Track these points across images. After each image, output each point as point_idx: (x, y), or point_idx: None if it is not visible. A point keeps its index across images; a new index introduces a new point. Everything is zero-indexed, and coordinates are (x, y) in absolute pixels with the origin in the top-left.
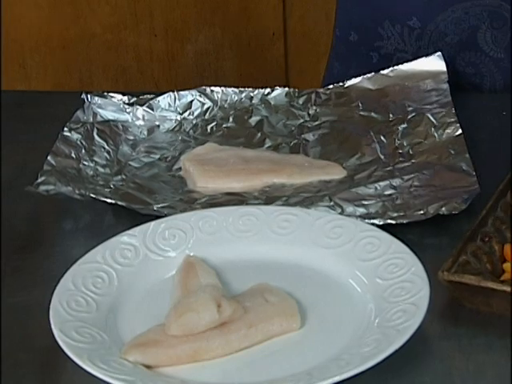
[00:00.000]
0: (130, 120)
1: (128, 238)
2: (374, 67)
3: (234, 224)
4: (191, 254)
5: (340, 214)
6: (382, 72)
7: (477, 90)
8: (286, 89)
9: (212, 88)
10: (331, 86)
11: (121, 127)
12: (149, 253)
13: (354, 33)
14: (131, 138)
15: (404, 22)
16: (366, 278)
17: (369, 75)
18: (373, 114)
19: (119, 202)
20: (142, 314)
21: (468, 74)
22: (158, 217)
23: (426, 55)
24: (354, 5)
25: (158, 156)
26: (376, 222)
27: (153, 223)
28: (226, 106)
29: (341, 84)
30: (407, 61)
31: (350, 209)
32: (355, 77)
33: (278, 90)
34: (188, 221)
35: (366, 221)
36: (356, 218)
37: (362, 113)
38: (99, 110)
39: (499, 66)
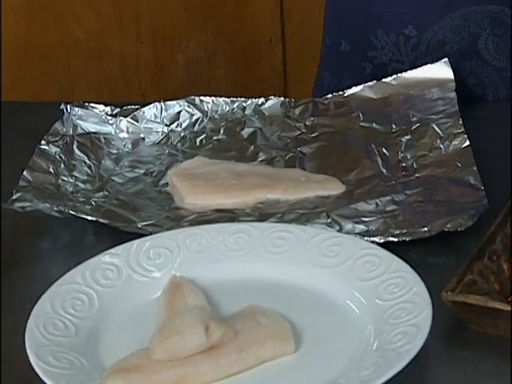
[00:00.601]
0: (113, 132)
1: (110, 257)
2: (367, 78)
3: (225, 242)
4: (178, 275)
5: (338, 231)
6: (384, 80)
7: (479, 101)
8: (282, 98)
9: (202, 98)
10: (330, 96)
11: (103, 140)
12: (132, 273)
13: (344, 42)
14: (114, 151)
15: (399, 31)
16: (365, 299)
17: (370, 83)
18: (374, 124)
19: (101, 220)
20: (125, 337)
21: (469, 85)
22: (142, 235)
23: (431, 62)
24: (345, 12)
25: (143, 171)
26: (376, 239)
27: (137, 242)
28: (216, 116)
29: (340, 93)
30: (404, 71)
31: (348, 226)
32: (349, 88)
33: (273, 100)
34: (175, 239)
35: (366, 238)
36: (355, 235)
37: (362, 124)
38: (80, 122)
39: (502, 75)
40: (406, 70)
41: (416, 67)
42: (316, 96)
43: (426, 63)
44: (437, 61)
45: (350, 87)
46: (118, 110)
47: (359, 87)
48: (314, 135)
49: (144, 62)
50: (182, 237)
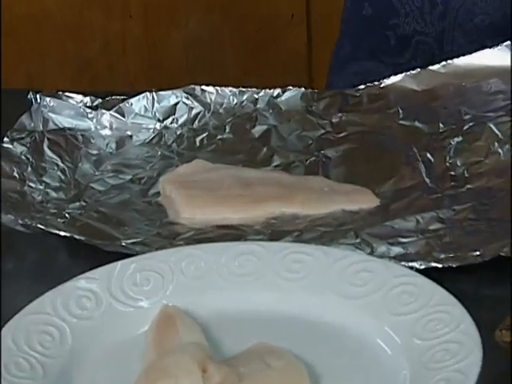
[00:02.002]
0: (93, 129)
1: (87, 282)
2: (391, 51)
3: (228, 265)
4: (170, 305)
5: (369, 254)
6: (430, 68)
7: None
8: (302, 89)
9: (203, 87)
10: (362, 86)
11: (80, 138)
12: (114, 302)
13: (367, 5)
14: (94, 152)
15: None
16: (400, 338)
17: (413, 72)
18: (417, 123)
19: (76, 236)
20: (104, 381)
21: None
22: (127, 255)
23: (490, 46)
24: None
25: (129, 177)
26: (416, 265)
27: (120, 263)
28: (221, 111)
29: (375, 83)
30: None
31: (382, 248)
32: (368, 62)
33: (291, 91)
34: (167, 261)
35: (403, 263)
36: (389, 259)
37: (402, 122)
38: (52, 115)
39: None
40: (432, 46)
41: (485, 47)
42: (333, 71)
43: (455, 38)
44: (497, 44)
45: (368, 61)
46: (99, 101)
47: (399, 76)
48: (341, 135)
49: (132, 42)
50: (175, 258)
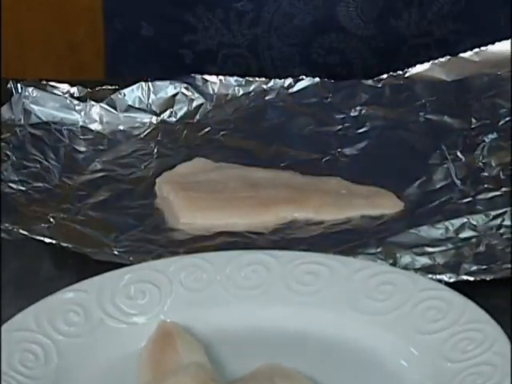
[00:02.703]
0: (81, 122)
1: (75, 295)
2: (187, 70)
3: (234, 277)
4: (168, 320)
5: (391, 265)
6: (462, 55)
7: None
8: (317, 79)
9: (205, 76)
10: (385, 76)
11: (66, 133)
12: (105, 317)
13: (146, 24)
14: (82, 149)
15: (228, 6)
16: (427, 359)
17: (442, 59)
18: (446, 117)
19: (63, 243)
20: None
21: (331, 65)
22: (119, 265)
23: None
24: None
25: (121, 177)
26: (445, 278)
27: (112, 274)
28: (225, 103)
29: (399, 72)
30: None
31: (406, 258)
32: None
33: (305, 81)
34: (165, 271)
35: (430, 276)
36: (415, 271)
37: (429, 116)
38: (34, 108)
39: (371, 46)
40: (245, 56)
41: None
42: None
43: (273, 44)
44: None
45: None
46: (87, 91)
47: (426, 65)
48: (361, 131)
49: None
50: (174, 269)
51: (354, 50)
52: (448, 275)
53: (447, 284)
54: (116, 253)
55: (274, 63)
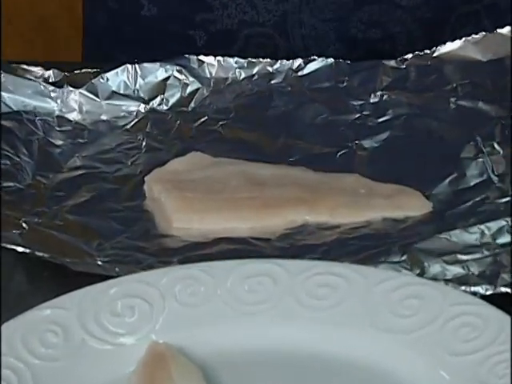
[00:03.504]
0: (58, 112)
1: (53, 312)
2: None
3: (236, 290)
4: (160, 341)
5: (419, 275)
6: (499, 31)
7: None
8: (331, 60)
9: (202, 57)
10: (410, 55)
11: (40, 124)
12: (88, 338)
13: (147, 3)
14: (59, 142)
15: None
16: (459, 383)
17: (476, 36)
18: (481, 104)
19: (38, 253)
20: None
21: (371, 41)
22: (105, 277)
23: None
24: None
25: (105, 175)
26: (481, 290)
27: (95, 288)
28: (224, 88)
29: (427, 51)
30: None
31: (435, 268)
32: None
33: (317, 62)
34: (156, 284)
35: (463, 288)
36: (446, 283)
37: (461, 102)
38: (3, 95)
39: (417, 17)
40: (271, 39)
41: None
42: None
43: (305, 20)
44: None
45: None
46: (65, 75)
47: (457, 43)
48: (382, 119)
49: None
50: (167, 281)
51: (397, 22)
52: (484, 287)
53: (483, 297)
54: (99, 263)
55: (305, 43)
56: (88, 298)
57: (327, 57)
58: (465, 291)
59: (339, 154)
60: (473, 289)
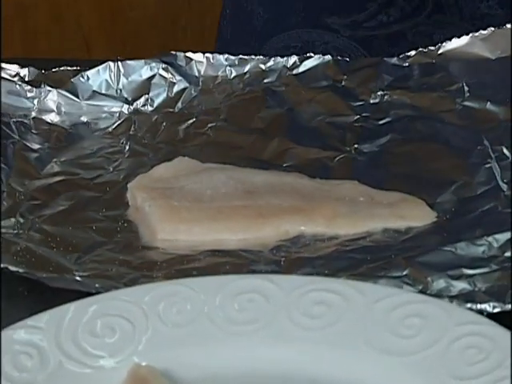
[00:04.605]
0: (34, 113)
1: (27, 332)
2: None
3: (225, 308)
4: (143, 364)
5: (421, 292)
6: (509, 26)
7: None
8: (328, 57)
9: (189, 54)
10: (413, 52)
11: (15, 127)
12: (65, 360)
13: None
14: (35, 146)
15: None
16: None
17: (484, 32)
18: (489, 105)
19: (11, 267)
20: None
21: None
22: (83, 294)
23: None
24: None
25: (85, 181)
26: (488, 308)
27: (73, 306)
28: (213, 88)
29: (431, 48)
30: None
31: (440, 283)
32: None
33: (314, 59)
34: (139, 302)
35: (469, 306)
36: (450, 299)
37: (468, 103)
38: None
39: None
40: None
41: None
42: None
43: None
44: None
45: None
46: (42, 73)
47: (464, 39)
48: (383, 122)
49: None
50: (151, 298)
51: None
52: (491, 304)
53: (490, 315)
54: (78, 278)
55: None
56: (65, 317)
57: (324, 54)
58: (471, 309)
59: (337, 158)
60: (479, 306)
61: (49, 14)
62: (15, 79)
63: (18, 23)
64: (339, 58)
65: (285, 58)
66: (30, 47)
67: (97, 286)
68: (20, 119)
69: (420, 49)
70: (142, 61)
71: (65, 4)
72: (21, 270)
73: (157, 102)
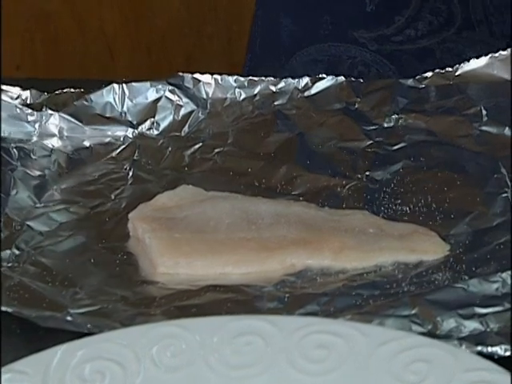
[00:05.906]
0: (36, 138)
1: (13, 377)
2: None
3: (222, 351)
4: None
5: (430, 333)
6: None
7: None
8: (341, 78)
9: (197, 76)
10: (429, 74)
11: (15, 152)
12: None
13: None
14: (36, 173)
15: None
16: None
17: (503, 53)
18: (507, 130)
19: (3, 307)
20: None
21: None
22: (74, 335)
23: None
24: None
25: (85, 210)
26: (499, 350)
27: (62, 348)
28: (222, 111)
29: (448, 69)
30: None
31: (450, 323)
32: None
33: (326, 81)
34: (132, 345)
35: (480, 348)
36: (460, 342)
37: (486, 128)
38: None
39: None
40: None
41: None
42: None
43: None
44: None
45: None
46: (44, 96)
47: (483, 60)
48: (397, 147)
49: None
50: (144, 340)
51: None
52: (503, 347)
53: (502, 359)
54: (69, 318)
55: None
56: (53, 361)
57: (337, 75)
58: (481, 352)
59: (347, 186)
60: (490, 349)
61: (72, 21)
62: (16, 102)
63: (40, 30)
64: (352, 79)
65: (296, 80)
66: (54, 55)
67: (88, 326)
68: (20, 144)
69: (437, 70)
70: (148, 83)
71: (88, 11)
72: (10, 310)
73: (163, 125)
